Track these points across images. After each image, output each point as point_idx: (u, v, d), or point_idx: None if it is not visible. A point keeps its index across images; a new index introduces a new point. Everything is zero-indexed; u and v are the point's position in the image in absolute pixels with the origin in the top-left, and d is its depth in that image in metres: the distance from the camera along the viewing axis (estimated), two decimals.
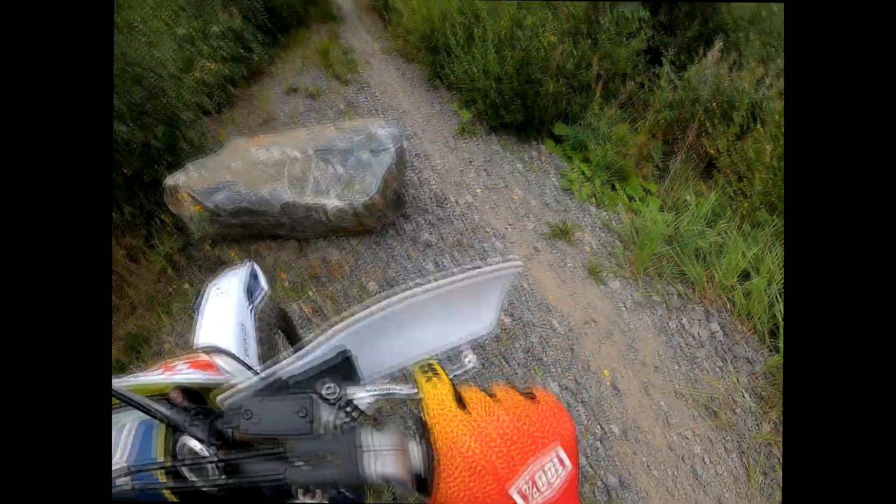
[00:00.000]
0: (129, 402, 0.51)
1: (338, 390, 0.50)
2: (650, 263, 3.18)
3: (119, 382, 0.57)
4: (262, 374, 0.54)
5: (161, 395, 0.59)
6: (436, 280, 0.55)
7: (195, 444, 0.51)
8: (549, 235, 3.34)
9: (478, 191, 3.67)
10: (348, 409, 0.50)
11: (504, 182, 3.81)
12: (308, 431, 0.47)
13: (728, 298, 3.00)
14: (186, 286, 2.96)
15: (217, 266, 3.03)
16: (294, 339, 1.63)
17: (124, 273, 2.93)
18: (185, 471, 0.51)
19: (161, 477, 0.52)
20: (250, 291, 1.22)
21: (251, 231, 3.00)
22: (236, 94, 5.05)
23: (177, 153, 3.43)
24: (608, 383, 2.51)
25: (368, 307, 0.54)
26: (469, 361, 0.54)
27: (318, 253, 2.99)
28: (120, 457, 0.54)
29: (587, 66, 4.39)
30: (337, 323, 0.54)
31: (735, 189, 3.64)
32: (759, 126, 3.60)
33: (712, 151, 3.88)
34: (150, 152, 3.23)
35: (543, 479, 0.40)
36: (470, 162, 4.02)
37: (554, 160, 4.22)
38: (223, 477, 0.49)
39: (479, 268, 0.57)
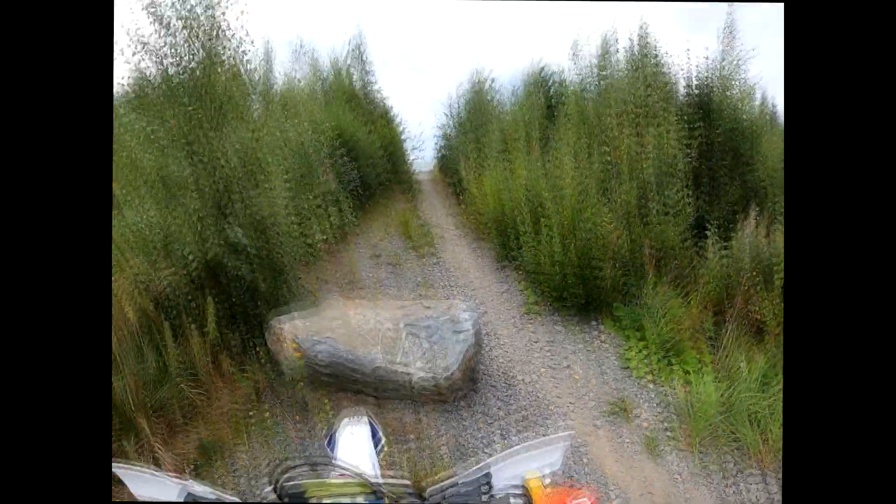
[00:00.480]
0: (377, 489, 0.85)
1: (489, 489, 0.85)
2: (705, 433, 3.29)
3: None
4: (454, 478, 0.88)
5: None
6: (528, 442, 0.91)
7: None
8: (608, 413, 3.52)
9: (542, 370, 3.98)
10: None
11: (566, 361, 4.11)
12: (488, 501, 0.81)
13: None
14: (266, 415, 3.28)
15: (298, 405, 3.39)
16: None
17: (211, 386, 3.30)
18: None
19: None
20: (375, 437, 1.51)
21: (338, 382, 3.37)
22: (329, 251, 5.65)
23: (279, 298, 3.96)
24: None
25: (502, 452, 0.91)
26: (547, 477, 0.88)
27: (394, 413, 3.30)
28: None
29: (640, 248, 4.78)
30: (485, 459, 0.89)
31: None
32: None
33: (759, 317, 4.05)
34: (259, 292, 3.76)
35: None
36: (535, 341, 4.38)
37: (613, 339, 4.49)
38: None
39: (547, 437, 0.92)
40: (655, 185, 4.90)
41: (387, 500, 0.82)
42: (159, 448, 2.77)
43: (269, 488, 0.84)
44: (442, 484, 0.85)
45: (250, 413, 3.31)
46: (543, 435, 3.27)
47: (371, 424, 1.57)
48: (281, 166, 4.13)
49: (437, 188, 10.75)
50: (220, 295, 3.48)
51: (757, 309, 4.12)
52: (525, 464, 0.88)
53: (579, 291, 4.64)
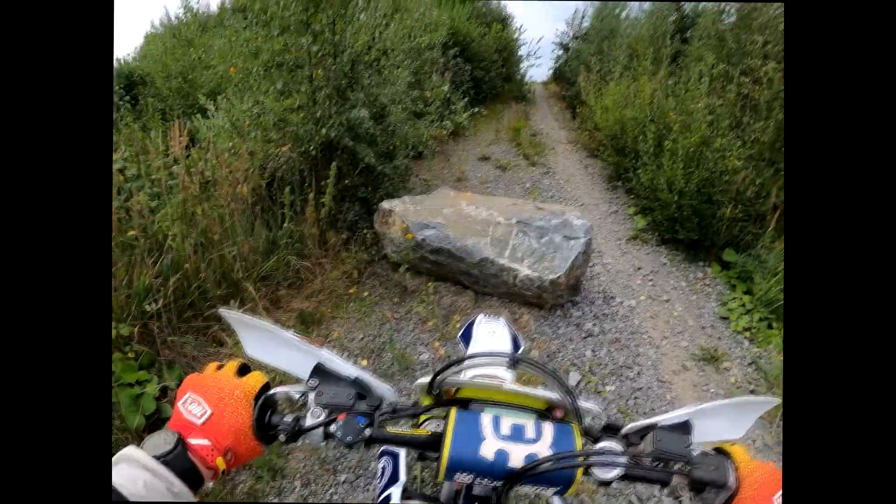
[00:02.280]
0: (573, 408, 0.75)
1: (691, 441, 0.73)
2: None
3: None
4: (653, 419, 0.75)
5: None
6: (719, 400, 0.78)
7: (614, 446, 0.71)
8: (699, 358, 3.41)
9: (641, 297, 3.88)
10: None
11: (667, 296, 3.97)
12: (697, 454, 0.70)
13: None
14: (365, 293, 3.41)
15: (396, 287, 3.47)
16: None
17: (316, 260, 3.44)
18: (596, 466, 0.69)
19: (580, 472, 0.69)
20: (515, 343, 1.36)
21: (441, 271, 3.41)
22: (438, 149, 5.65)
23: (392, 183, 4.01)
24: None
25: (701, 403, 0.77)
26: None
27: (491, 309, 3.31)
28: (543, 445, 0.70)
29: (766, 195, 4.45)
30: (691, 405, 0.77)
31: None
32: None
33: None
34: (372, 175, 3.81)
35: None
36: (638, 268, 4.26)
37: (718, 285, 4.30)
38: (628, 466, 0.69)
39: (745, 396, 0.81)
40: None
41: (575, 427, 0.71)
42: (262, 314, 2.91)
43: (426, 378, 0.75)
44: (641, 423, 0.74)
45: (350, 290, 3.41)
46: (632, 360, 3.23)
47: (510, 328, 1.41)
48: (404, 57, 4.06)
49: (550, 99, 10.33)
50: (336, 176, 3.51)
51: None
52: (717, 420, 0.77)
53: (693, 226, 4.40)
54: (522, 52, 10.90)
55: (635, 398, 2.95)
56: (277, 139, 3.53)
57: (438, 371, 0.73)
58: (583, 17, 11.00)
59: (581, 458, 0.66)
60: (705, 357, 3.42)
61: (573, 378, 2.93)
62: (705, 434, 0.77)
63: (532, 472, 0.64)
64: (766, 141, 4.55)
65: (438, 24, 6.37)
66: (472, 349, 1.27)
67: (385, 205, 3.49)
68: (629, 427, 0.74)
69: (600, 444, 0.70)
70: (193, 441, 0.62)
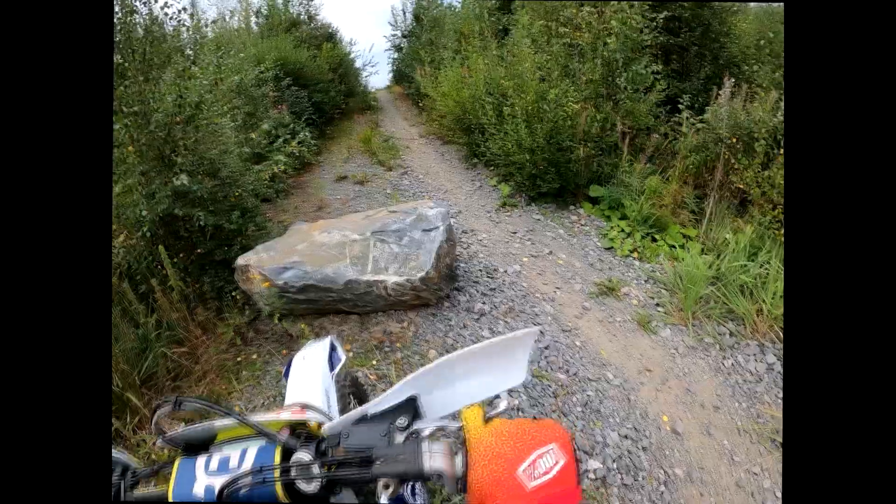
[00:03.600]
0: (260, 430, 0.74)
1: (407, 422, 0.70)
2: (698, 307, 3.26)
3: (248, 417, 0.76)
4: (356, 411, 0.74)
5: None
6: (473, 345, 0.75)
7: (305, 457, 0.70)
8: (597, 294, 3.48)
9: (524, 259, 3.88)
10: (413, 435, 0.70)
11: (548, 248, 4.01)
12: (387, 444, 0.68)
13: (780, 328, 3.03)
14: (254, 356, 3.19)
15: (283, 338, 3.28)
16: (364, 401, 1.82)
17: (196, 342, 3.20)
18: (295, 477, 0.69)
19: (278, 485, 0.70)
20: (331, 362, 1.43)
21: (316, 306, 3.25)
22: (289, 183, 5.47)
23: (245, 236, 3.80)
24: (668, 428, 2.55)
25: (426, 366, 0.74)
26: (502, 405, 0.71)
27: (379, 326, 3.21)
28: (245, 468, 0.72)
29: (611, 126, 4.64)
30: (407, 376, 0.74)
31: (771, 218, 3.71)
32: (782, 151, 3.70)
33: (742, 186, 3.97)
34: (222, 235, 3.60)
35: (542, 466, 0.58)
36: (514, 233, 4.26)
37: (593, 221, 4.42)
38: (326, 476, 0.68)
39: (505, 335, 0.76)
40: (622, 62, 4.64)
41: (278, 444, 0.73)
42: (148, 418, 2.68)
43: (159, 439, 0.78)
44: (347, 417, 0.74)
45: (238, 359, 3.21)
46: (532, 322, 3.22)
47: (332, 344, 1.50)
48: (222, 105, 3.85)
49: (396, 101, 10.38)
50: (184, 248, 3.33)
51: (738, 179, 4.01)
52: (490, 374, 0.75)
53: (553, 176, 4.50)
54: (358, 63, 10.88)
55: (546, 358, 2.93)
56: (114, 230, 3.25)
57: (158, 433, 0.78)
58: (404, 14, 11.16)
59: (276, 473, 0.68)
60: (602, 291, 3.48)
61: None
62: (479, 393, 0.75)
63: (230, 495, 0.67)
64: (597, 79, 4.75)
65: (261, 58, 6.20)
66: (289, 382, 1.34)
67: (240, 261, 3.29)
68: (329, 427, 0.73)
69: (294, 457, 0.71)
70: None
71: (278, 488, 0.68)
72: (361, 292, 3.04)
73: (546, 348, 3.00)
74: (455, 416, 0.72)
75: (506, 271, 3.70)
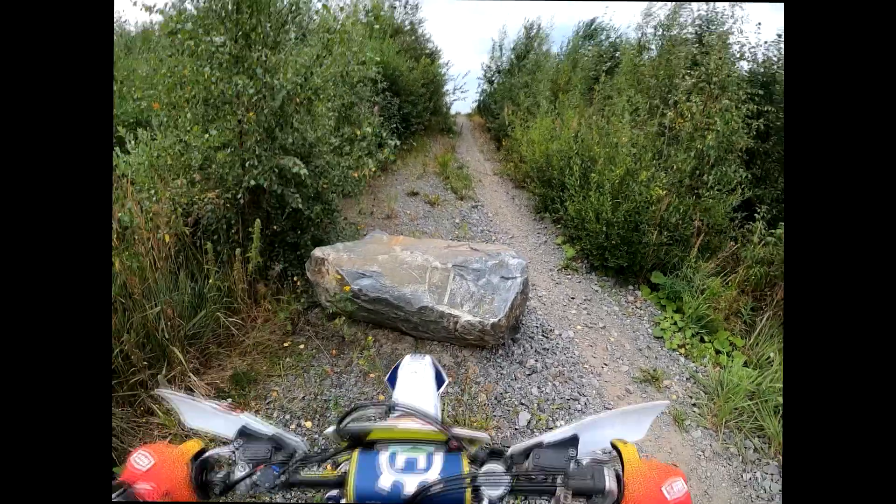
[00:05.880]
0: (459, 443, 0.84)
1: (576, 452, 0.82)
2: (731, 416, 3.27)
3: (452, 429, 0.85)
4: (535, 439, 0.84)
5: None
6: (624, 407, 0.88)
7: (497, 468, 0.81)
8: (640, 380, 3.51)
9: (578, 327, 3.94)
10: (581, 461, 0.81)
11: (602, 322, 4.06)
12: (572, 466, 0.78)
13: None
14: (301, 346, 3.27)
15: (334, 337, 3.37)
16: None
17: (246, 314, 3.28)
18: (483, 486, 0.78)
19: (468, 492, 0.79)
20: (438, 379, 1.56)
21: (378, 318, 3.34)
22: (367, 184, 5.60)
23: (318, 226, 3.91)
24: None
25: (589, 417, 0.86)
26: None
27: (432, 354, 3.28)
28: (433, 473, 0.82)
29: (689, 219, 4.68)
30: (573, 422, 0.86)
31: None
32: None
33: None
34: (300, 219, 3.71)
35: (676, 489, 0.70)
36: (572, 298, 4.33)
37: (649, 307, 4.45)
38: (512, 486, 0.78)
39: (644, 403, 0.88)
40: (714, 159, 4.71)
41: (463, 454, 0.83)
42: (192, 378, 2.77)
43: (333, 427, 0.86)
44: (526, 444, 0.84)
45: (285, 344, 3.30)
46: (577, 391, 3.28)
47: (434, 365, 1.60)
48: (334, 95, 4.00)
49: (475, 130, 10.55)
50: (262, 222, 3.38)
51: None
52: (611, 429, 0.87)
53: (622, 253, 4.56)
54: (449, 86, 11.12)
55: None
56: (201, 182, 3.36)
57: (339, 421, 0.85)
58: (501, 49, 11.39)
59: (468, 480, 0.76)
60: (646, 378, 3.51)
61: (523, 418, 2.93)
62: (603, 442, 0.87)
63: (424, 497, 0.75)
64: (687, 170, 4.82)
65: (370, 59, 6.36)
66: (396, 391, 1.46)
67: (317, 253, 3.39)
68: (513, 448, 0.84)
69: (485, 468, 0.81)
70: (139, 486, 0.71)
71: (468, 494, 0.76)
72: (431, 320, 3.13)
73: None
74: (604, 451, 0.84)
75: (560, 334, 3.76)
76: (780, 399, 3.31)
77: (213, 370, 2.97)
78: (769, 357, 3.76)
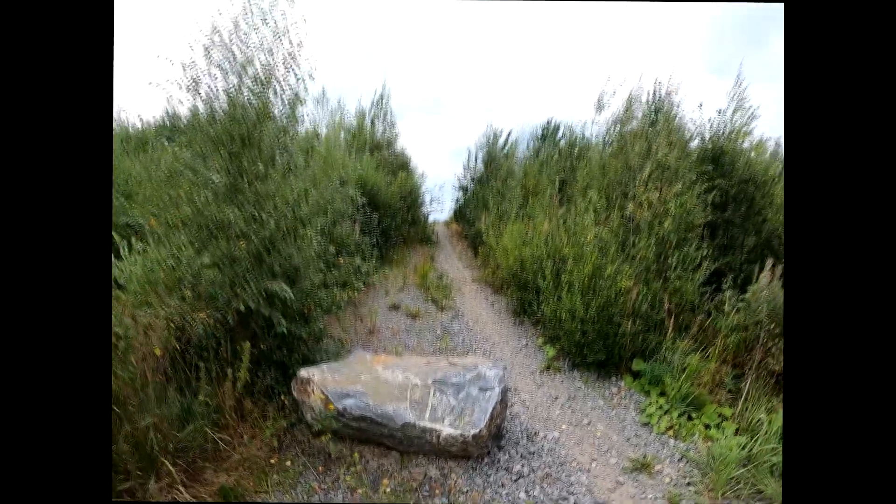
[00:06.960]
0: None
1: None
2: (727, 487, 3.29)
3: None
4: None
5: None
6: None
7: None
8: (631, 469, 3.53)
9: (563, 426, 4.01)
10: None
11: (587, 419, 4.14)
12: None
13: None
14: (289, 463, 3.31)
15: (320, 454, 3.43)
16: None
17: (233, 430, 3.33)
18: None
19: None
20: None
21: (364, 435, 3.42)
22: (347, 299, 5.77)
23: (305, 344, 4.05)
24: None
25: None
26: None
27: (419, 468, 3.34)
28: None
29: (659, 303, 4.87)
30: None
31: None
32: None
33: (778, 369, 4.07)
34: (287, 338, 3.85)
35: None
36: (555, 398, 4.43)
37: (633, 395, 4.54)
38: None
39: None
40: (675, 242, 4.99)
41: None
42: (180, 489, 2.81)
43: None
44: None
45: (272, 461, 3.36)
46: (566, 490, 3.33)
47: None
48: (319, 219, 4.27)
49: (452, 238, 10.97)
50: (249, 341, 3.53)
51: (775, 360, 4.17)
52: None
53: (599, 348, 4.72)
54: (426, 198, 11.64)
55: None
56: (192, 299, 3.52)
57: None
58: (476, 158, 12.05)
59: None
60: (636, 467, 3.54)
61: None
62: None
63: None
64: (650, 256, 5.08)
65: (350, 179, 6.73)
66: None
67: (303, 373, 3.54)
68: None
69: None
70: None
71: None
72: (414, 435, 3.24)
73: None
74: None
75: (545, 436, 3.83)
76: (776, 459, 3.37)
77: (200, 484, 3.00)
78: (759, 420, 3.83)
